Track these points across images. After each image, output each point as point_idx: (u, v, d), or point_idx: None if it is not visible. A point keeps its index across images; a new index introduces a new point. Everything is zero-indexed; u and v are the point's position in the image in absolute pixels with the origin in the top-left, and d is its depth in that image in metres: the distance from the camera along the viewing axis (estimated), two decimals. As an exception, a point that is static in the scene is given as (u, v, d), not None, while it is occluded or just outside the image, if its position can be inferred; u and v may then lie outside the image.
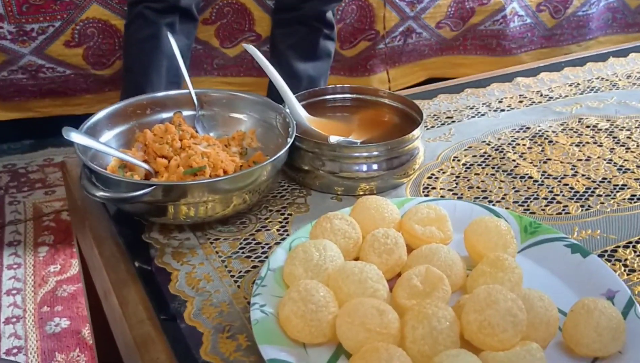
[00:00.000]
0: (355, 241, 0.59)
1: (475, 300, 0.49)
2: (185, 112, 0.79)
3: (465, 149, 0.83)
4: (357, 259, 0.59)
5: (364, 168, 0.73)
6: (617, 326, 0.49)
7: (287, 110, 0.77)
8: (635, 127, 0.88)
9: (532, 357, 0.46)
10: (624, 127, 0.89)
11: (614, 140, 0.85)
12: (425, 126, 0.89)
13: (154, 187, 0.62)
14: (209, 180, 0.65)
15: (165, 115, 0.78)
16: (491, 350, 0.48)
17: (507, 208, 0.71)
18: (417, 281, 0.54)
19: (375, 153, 0.72)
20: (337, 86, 0.85)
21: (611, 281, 0.56)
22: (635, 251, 0.64)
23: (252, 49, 0.78)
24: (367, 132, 0.79)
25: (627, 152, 0.82)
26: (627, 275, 0.61)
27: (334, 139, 0.72)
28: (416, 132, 0.75)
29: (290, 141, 0.69)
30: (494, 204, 0.71)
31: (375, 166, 0.73)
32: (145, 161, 0.71)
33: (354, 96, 0.84)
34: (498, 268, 0.55)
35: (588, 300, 0.51)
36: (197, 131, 0.77)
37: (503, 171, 0.78)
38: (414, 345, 0.48)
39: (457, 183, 0.76)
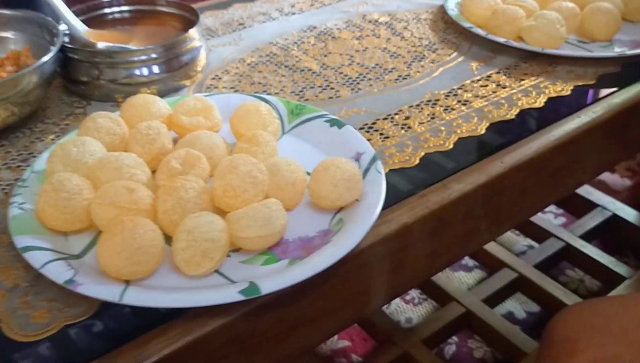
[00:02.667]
0: (121, 137, 0.61)
1: (220, 168, 0.53)
2: (-47, 35, 0.76)
3: (253, 51, 0.86)
4: (125, 153, 0.61)
5: (144, 71, 0.74)
6: (351, 178, 0.54)
7: (62, 24, 0.75)
8: (412, 19, 0.95)
9: (268, 209, 0.50)
10: (402, 19, 0.95)
11: (392, 31, 0.91)
12: (213, 34, 0.91)
13: None
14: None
15: None
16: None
17: (283, 98, 0.74)
18: (176, 163, 0.56)
19: (153, 56, 0.73)
20: (114, -3, 0.85)
21: (360, 145, 0.61)
22: (392, 122, 0.70)
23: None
24: (149, 41, 0.80)
25: (401, 40, 0.88)
26: (382, 141, 0.66)
27: (102, 45, 0.72)
28: (192, 31, 0.76)
29: (54, 48, 0.68)
30: (271, 96, 0.75)
31: (154, 69, 0.74)
32: None
33: (132, 7, 0.84)
34: (253, 143, 0.59)
35: (328, 159, 0.56)
36: (-34, 53, 0.74)
37: (285, 66, 0.82)
38: (165, 216, 0.51)
39: (239, 81, 0.79)
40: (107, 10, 0.83)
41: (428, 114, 0.71)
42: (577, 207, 1.37)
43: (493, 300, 1.13)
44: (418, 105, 0.73)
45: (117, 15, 0.84)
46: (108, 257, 0.47)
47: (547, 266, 1.22)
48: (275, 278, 0.46)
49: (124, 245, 0.46)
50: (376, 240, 0.54)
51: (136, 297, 0.44)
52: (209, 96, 0.69)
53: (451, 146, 0.65)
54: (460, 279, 1.26)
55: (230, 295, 0.45)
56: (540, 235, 1.29)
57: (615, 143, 0.76)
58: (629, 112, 0.74)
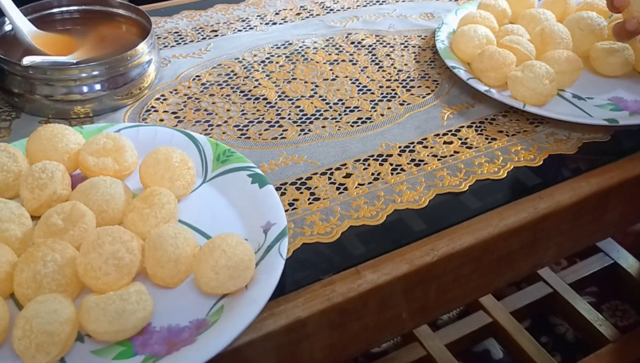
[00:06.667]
0: (16, 175, 0.56)
1: (86, 242, 0.48)
2: None
3: (214, 67, 0.80)
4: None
5: (83, 89, 0.69)
6: (237, 265, 0.48)
7: (5, 24, 0.71)
8: (400, 43, 0.86)
9: (124, 301, 0.45)
10: (388, 43, 0.86)
11: (371, 57, 0.83)
12: (180, 40, 0.84)
13: None
14: None
15: None
16: (99, 293, 0.46)
17: (224, 132, 0.68)
18: (58, 219, 0.51)
19: (94, 73, 0.68)
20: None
21: (274, 213, 0.55)
22: (329, 179, 0.63)
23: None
24: (99, 49, 0.75)
25: (378, 70, 0.80)
26: (309, 204, 0.60)
27: (27, 60, 0.67)
28: (141, 46, 0.71)
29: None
30: (212, 128, 0.69)
31: (95, 87, 0.69)
32: None
33: (87, 7, 0.78)
34: (147, 204, 0.53)
35: (217, 237, 0.50)
36: None
37: (241, 91, 0.75)
38: (19, 288, 0.46)
39: (185, 105, 0.73)
40: (58, 10, 0.78)
41: (372, 174, 0.64)
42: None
43: (460, 345, 1.06)
44: (366, 160, 0.65)
45: (68, 16, 0.78)
46: None
47: (528, 313, 1.14)
48: (111, 387, 0.42)
49: (-47, 327, 0.42)
50: (258, 336, 0.48)
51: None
52: (135, 127, 0.64)
53: (382, 220, 0.59)
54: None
55: (49, 406, 0.40)
56: (529, 275, 1.20)
57: (588, 225, 0.68)
58: (604, 196, 0.65)
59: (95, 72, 0.68)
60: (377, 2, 0.97)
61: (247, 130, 0.69)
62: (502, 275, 0.64)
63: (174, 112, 0.71)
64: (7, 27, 0.73)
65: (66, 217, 0.51)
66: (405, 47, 0.86)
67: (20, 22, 0.72)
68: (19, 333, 0.43)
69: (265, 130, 0.69)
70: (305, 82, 0.78)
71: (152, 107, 0.72)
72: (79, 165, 0.58)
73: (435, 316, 0.73)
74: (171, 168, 0.57)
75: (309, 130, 0.70)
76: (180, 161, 0.58)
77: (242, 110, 0.72)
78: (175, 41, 0.85)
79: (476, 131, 0.70)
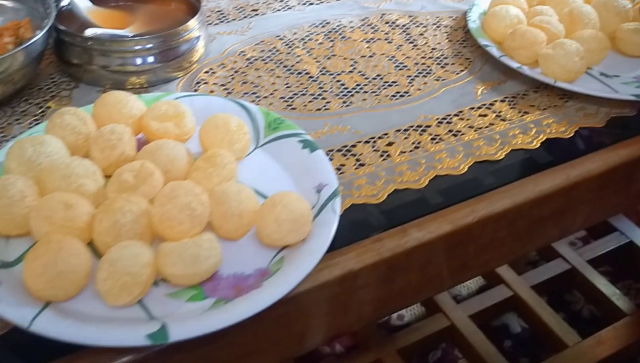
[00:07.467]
0: (86, 136, 0.60)
1: (160, 195, 0.52)
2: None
3: (257, 44, 0.83)
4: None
5: (137, 61, 0.73)
6: (297, 219, 0.52)
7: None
8: (432, 24, 0.90)
9: (199, 247, 0.49)
10: (421, 23, 0.90)
11: (406, 37, 0.87)
12: (223, 18, 0.88)
13: None
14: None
15: None
16: (172, 241, 0.50)
17: (271, 103, 0.72)
18: (129, 176, 0.55)
19: (148, 46, 0.72)
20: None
21: (325, 175, 0.59)
22: (373, 147, 0.67)
23: None
24: (150, 24, 0.79)
25: (413, 49, 0.84)
26: (355, 169, 0.64)
27: (90, 32, 0.71)
28: (192, 22, 0.75)
29: (40, 32, 0.67)
30: (259, 100, 0.73)
31: (148, 59, 0.73)
32: None
33: (139, -15, 0.82)
34: (210, 164, 0.57)
35: (279, 194, 0.54)
36: (-36, 20, 0.74)
37: (284, 66, 0.79)
38: (99, 237, 0.51)
39: (233, 78, 0.77)
40: (112, -14, 0.82)
41: (413, 143, 0.68)
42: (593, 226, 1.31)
43: (483, 317, 1.10)
44: (406, 130, 0.69)
45: (122, -8, 0.82)
46: (29, 277, 0.47)
47: (545, 290, 1.18)
48: (189, 324, 0.46)
49: (45, 267, 0.46)
50: (315, 285, 0.52)
51: (45, 326, 0.44)
52: (190, 97, 0.68)
53: (425, 184, 0.63)
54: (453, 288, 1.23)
55: (137, 338, 0.44)
56: (547, 252, 1.24)
57: (615, 194, 0.72)
58: (632, 167, 0.69)
59: (150, 45, 0.72)
60: (409, -16, 1.00)
61: (292, 101, 0.73)
62: (533, 239, 0.68)
63: (222, 85, 0.75)
64: (64, 2, 0.76)
65: (136, 174, 0.55)
66: (438, 27, 0.89)
67: (78, -2, 0.76)
68: (104, 275, 0.47)
69: (310, 102, 0.73)
70: (344, 58, 0.81)
71: (202, 79, 0.76)
72: (142, 129, 0.62)
73: (471, 276, 0.77)
74: (229, 132, 0.61)
75: (351, 102, 0.73)
76: (237, 126, 0.61)
77: (287, 83, 0.76)
78: (219, 19, 0.88)
79: (509, 105, 0.74)
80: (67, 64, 0.73)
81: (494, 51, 0.80)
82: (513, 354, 1.12)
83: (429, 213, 0.59)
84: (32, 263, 0.47)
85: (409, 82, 0.77)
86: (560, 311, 1.24)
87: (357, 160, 0.65)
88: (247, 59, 0.80)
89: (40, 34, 0.67)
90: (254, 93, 0.74)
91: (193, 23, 0.75)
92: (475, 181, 0.64)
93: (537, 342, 1.16)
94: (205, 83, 0.75)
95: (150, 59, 0.73)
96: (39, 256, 0.47)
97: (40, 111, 0.69)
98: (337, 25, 0.88)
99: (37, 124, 0.67)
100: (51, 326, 0.45)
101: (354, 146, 0.67)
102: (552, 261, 1.21)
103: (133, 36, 0.75)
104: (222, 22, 0.88)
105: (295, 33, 0.86)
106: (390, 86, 0.76)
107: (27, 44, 0.66)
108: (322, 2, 0.94)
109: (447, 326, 1.06)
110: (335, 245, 0.55)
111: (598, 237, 1.32)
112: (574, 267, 1.18)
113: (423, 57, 0.82)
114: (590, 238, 1.36)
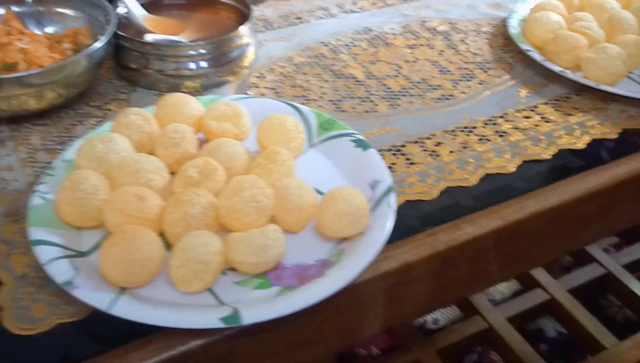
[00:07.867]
0: (150, 135, 0.63)
1: (227, 188, 0.54)
2: (18, 8, 0.79)
3: (302, 50, 0.86)
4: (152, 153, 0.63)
5: (191, 65, 0.75)
6: (356, 212, 0.54)
7: (119, 8, 0.78)
8: (472, 30, 0.92)
9: (265, 237, 0.51)
10: (461, 30, 0.92)
11: (447, 43, 0.89)
12: (268, 27, 0.91)
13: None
14: (16, 75, 0.67)
15: (-2, 10, 0.79)
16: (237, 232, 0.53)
17: (320, 106, 0.75)
18: (193, 172, 0.58)
19: (201, 51, 0.75)
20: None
21: (379, 172, 0.61)
22: (422, 147, 0.69)
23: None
24: (201, 31, 0.82)
25: (455, 54, 0.86)
26: (406, 167, 0.66)
27: (150, 37, 0.74)
28: (242, 28, 0.77)
29: (103, 38, 0.71)
30: (309, 102, 0.75)
31: (202, 64, 0.76)
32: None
33: (191, -6, 0.86)
34: (270, 160, 0.60)
35: (338, 189, 0.56)
36: (27, 28, 0.78)
37: (331, 70, 0.82)
38: (169, 228, 0.53)
39: (282, 82, 0.79)
40: (166, -4, 0.85)
41: (460, 143, 0.69)
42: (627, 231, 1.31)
43: (520, 320, 1.11)
44: (453, 131, 0.71)
45: (175, 2, 0.85)
46: (106, 264, 0.49)
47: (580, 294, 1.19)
48: (259, 309, 0.48)
49: (121, 255, 0.49)
50: (374, 275, 0.54)
51: (124, 309, 0.47)
52: (245, 99, 0.71)
53: (475, 182, 0.64)
54: (489, 290, 1.24)
55: (211, 320, 0.47)
56: (582, 257, 1.24)
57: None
58: (676, 166, 0.70)
59: (203, 50, 0.75)
60: (447, -7, 1.02)
61: (341, 104, 0.76)
62: (579, 236, 0.69)
63: (272, 88, 0.78)
64: (122, 11, 0.80)
65: (200, 170, 0.58)
66: (478, 33, 0.92)
67: (134, 7, 0.79)
68: (177, 262, 0.49)
69: (358, 104, 0.76)
70: (389, 63, 0.84)
71: (253, 83, 0.79)
72: (202, 129, 0.65)
73: (519, 270, 0.79)
74: (285, 131, 0.63)
75: (398, 105, 0.76)
76: (293, 125, 0.64)
77: (334, 87, 0.78)
78: (264, 27, 0.91)
79: (552, 107, 0.76)
80: (125, 68, 0.77)
81: (536, 56, 0.82)
82: (548, 358, 1.12)
83: (480, 209, 0.61)
84: (109, 252, 0.49)
85: (453, 86, 0.79)
86: (594, 316, 1.24)
87: (407, 159, 0.67)
88: (295, 64, 0.83)
89: (104, 41, 0.70)
90: (303, 96, 0.77)
91: (244, 30, 0.78)
92: (523, 180, 0.65)
93: (573, 347, 1.17)
94: (256, 87, 0.78)
95: (204, 63, 0.76)
96: (115, 245, 0.49)
97: (101, 112, 0.72)
98: (380, 32, 0.91)
99: (100, 125, 0.70)
100: (130, 309, 0.47)
101: (403, 146, 0.69)
102: (588, 266, 1.22)
103: (188, 42, 0.78)
104: (268, 29, 0.91)
105: (339, 40, 0.89)
106: (435, 89, 0.79)
107: (90, 50, 0.69)
108: (363, 11, 0.97)
109: (485, 328, 1.07)
110: (391, 239, 0.57)
111: (631, 243, 1.32)
112: (609, 272, 1.19)
113: (465, 62, 0.84)
114: (624, 244, 1.36)
